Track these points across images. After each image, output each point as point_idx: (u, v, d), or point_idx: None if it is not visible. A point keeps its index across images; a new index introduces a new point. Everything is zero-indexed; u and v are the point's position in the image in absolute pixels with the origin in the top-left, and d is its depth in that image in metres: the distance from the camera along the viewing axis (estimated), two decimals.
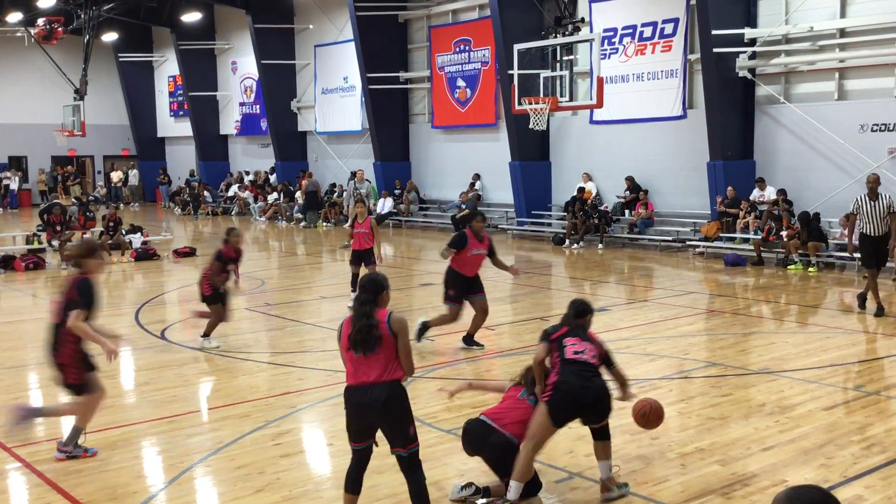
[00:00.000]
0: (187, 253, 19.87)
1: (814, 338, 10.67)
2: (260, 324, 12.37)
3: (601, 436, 5.76)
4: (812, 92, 18.39)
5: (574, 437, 6.94)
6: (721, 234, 18.69)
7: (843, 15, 17.59)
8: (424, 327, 10.19)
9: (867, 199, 11.77)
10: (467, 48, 25.42)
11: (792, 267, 16.49)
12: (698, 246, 18.90)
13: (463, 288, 10.03)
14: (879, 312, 11.72)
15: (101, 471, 6.42)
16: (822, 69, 18.13)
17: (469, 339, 10.24)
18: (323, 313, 12.90)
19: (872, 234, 11.76)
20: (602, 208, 21.34)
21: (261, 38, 30.80)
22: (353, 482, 5.21)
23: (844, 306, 13.35)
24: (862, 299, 12.06)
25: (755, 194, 18.69)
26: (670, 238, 19.94)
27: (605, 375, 5.78)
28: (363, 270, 12.86)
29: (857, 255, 12.75)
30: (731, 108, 18.92)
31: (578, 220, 20.79)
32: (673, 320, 11.81)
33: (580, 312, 6.03)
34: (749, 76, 18.83)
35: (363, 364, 4.96)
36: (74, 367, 6.48)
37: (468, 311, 10.19)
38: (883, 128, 17.15)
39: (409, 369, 5.04)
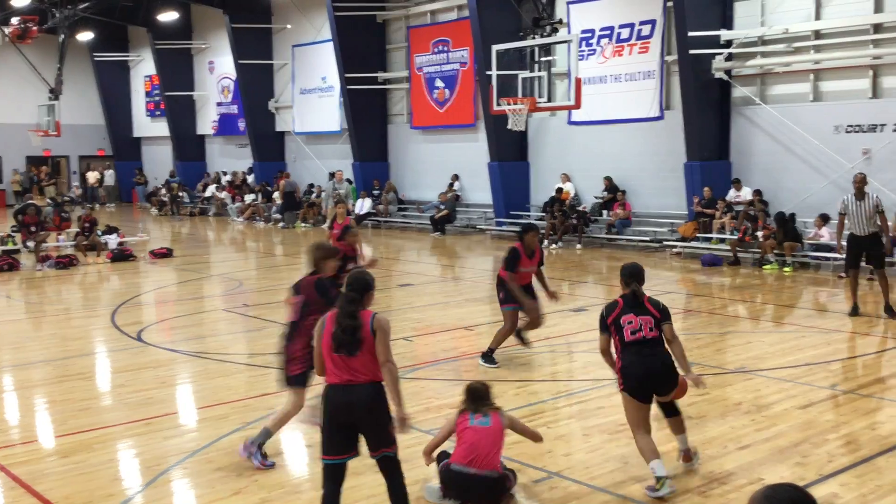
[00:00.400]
0: (164, 254, 19.72)
1: (789, 337, 10.77)
2: (237, 325, 12.30)
3: (672, 413, 6.19)
4: (787, 93, 18.56)
5: (552, 438, 6.96)
6: (698, 235, 18.81)
7: (817, 17, 17.77)
8: (489, 355, 9.37)
9: (854, 198, 11.76)
10: (446, 49, 25.42)
11: (767, 267, 16.63)
12: (675, 246, 19.02)
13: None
14: (854, 312, 11.82)
15: (76, 473, 6.37)
16: (797, 71, 18.30)
17: (518, 334, 9.57)
18: None
19: (859, 234, 11.75)
20: (580, 209, 21.42)
21: (238, 37, 30.64)
22: None
23: (819, 305, 13.49)
24: (889, 310, 11.76)
25: (731, 195, 18.83)
26: (648, 238, 20.05)
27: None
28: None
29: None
30: (708, 109, 19.05)
31: (557, 220, 20.85)
32: None
33: (639, 280, 6.10)
34: (725, 77, 18.97)
35: (345, 364, 4.92)
36: (301, 360, 6.51)
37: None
38: (857, 129, 17.33)
39: (384, 360, 4.93)
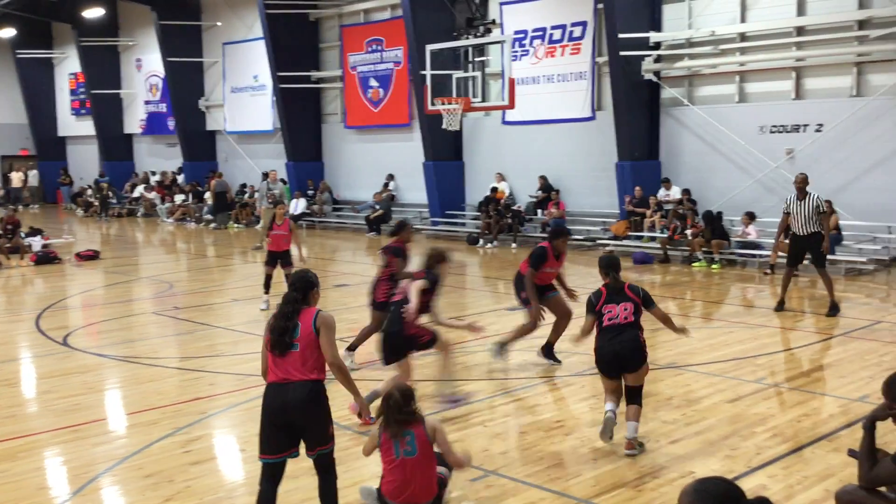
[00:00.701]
0: (90, 256, 19.22)
1: (717, 332, 11.01)
2: (168, 328, 12.06)
3: (632, 399, 6.68)
4: (714, 94, 19.00)
5: (489, 436, 7.00)
6: (629, 233, 19.12)
7: (743, 20, 18.22)
8: (502, 346, 9.23)
9: (795, 199, 11.92)
10: (380, 48, 25.34)
11: (696, 264, 17.00)
12: (608, 244, 19.29)
13: (537, 291, 9.13)
14: (779, 307, 12.13)
15: (1, 483, 6.16)
16: (723, 72, 18.75)
17: (549, 351, 9.28)
18: (234, 316, 12.67)
19: (799, 234, 11.93)
20: (515, 208, 21.58)
21: (166, 34, 30.03)
22: None
23: (746, 301, 13.84)
24: (833, 308, 11.86)
25: (661, 194, 19.19)
26: (581, 237, 20.29)
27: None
28: (278, 272, 12.73)
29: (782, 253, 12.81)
30: (638, 109, 19.38)
31: (492, 219, 20.97)
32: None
33: (616, 269, 6.85)
34: (654, 79, 19.33)
35: (285, 362, 4.92)
36: (419, 329, 7.48)
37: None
38: (781, 129, 17.84)
39: (331, 358, 5.00)
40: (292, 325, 4.94)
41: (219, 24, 30.23)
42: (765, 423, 7.29)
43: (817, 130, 17.33)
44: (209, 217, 27.64)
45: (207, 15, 30.79)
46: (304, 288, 5.11)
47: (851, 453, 4.67)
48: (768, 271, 15.63)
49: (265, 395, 4.98)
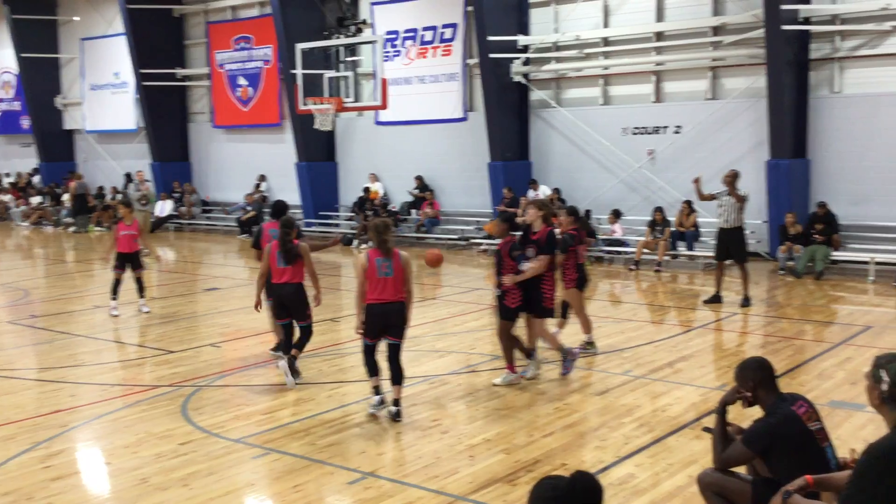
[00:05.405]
0: None
1: None
2: (25, 338, 11.43)
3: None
4: (580, 97, 19.58)
5: (365, 438, 6.97)
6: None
7: (606, 25, 18.85)
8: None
9: (725, 193, 12.41)
10: (248, 46, 24.83)
11: None
12: (482, 244, 19.57)
13: None
14: (714, 300, 12.64)
15: None
16: (588, 76, 19.34)
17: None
18: (97, 324, 12.12)
19: (725, 227, 12.54)
20: (390, 208, 21.58)
21: (19, 29, 28.49)
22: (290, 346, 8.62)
23: (613, 297, 14.31)
24: (746, 300, 12.54)
25: (531, 195, 19.57)
26: (455, 236, 20.50)
27: None
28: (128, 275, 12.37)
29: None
30: (508, 111, 19.74)
31: (367, 220, 20.89)
32: (460, 317, 12.14)
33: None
34: (523, 81, 19.73)
35: (285, 272, 8.38)
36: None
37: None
38: (642, 131, 18.57)
39: (311, 272, 8.55)
40: (292, 247, 8.37)
41: (76, 18, 28.88)
42: (632, 413, 7.56)
43: (676, 132, 18.13)
44: (68, 220, 26.37)
45: (64, 9, 29.36)
46: (289, 226, 8.46)
47: (706, 430, 4.90)
48: (633, 267, 16.25)
49: (272, 289, 8.52)
